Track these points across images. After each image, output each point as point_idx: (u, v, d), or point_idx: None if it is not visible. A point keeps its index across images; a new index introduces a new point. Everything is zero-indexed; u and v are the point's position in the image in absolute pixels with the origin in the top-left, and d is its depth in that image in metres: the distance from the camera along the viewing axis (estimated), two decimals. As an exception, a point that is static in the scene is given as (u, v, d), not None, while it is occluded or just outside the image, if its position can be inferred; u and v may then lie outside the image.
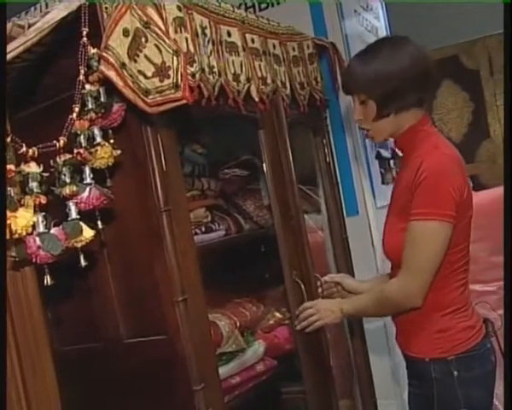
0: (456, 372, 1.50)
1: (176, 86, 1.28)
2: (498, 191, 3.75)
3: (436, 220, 1.42)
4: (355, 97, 1.55)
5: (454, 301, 1.53)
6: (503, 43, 1.40)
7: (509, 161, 1.32)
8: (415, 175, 1.45)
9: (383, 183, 2.83)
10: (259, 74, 1.67)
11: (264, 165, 1.89)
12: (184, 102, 1.29)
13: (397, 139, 1.60)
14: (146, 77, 1.30)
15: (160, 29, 1.30)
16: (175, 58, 1.28)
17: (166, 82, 1.29)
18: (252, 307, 1.76)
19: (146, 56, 1.30)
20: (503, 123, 1.38)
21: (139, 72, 1.30)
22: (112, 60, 1.29)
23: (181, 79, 1.28)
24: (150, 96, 1.30)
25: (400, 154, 1.70)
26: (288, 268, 1.90)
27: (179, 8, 1.42)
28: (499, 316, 3.00)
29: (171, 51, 1.28)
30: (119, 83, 1.30)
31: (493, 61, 4.49)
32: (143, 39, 1.29)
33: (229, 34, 1.60)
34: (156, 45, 1.30)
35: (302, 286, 1.86)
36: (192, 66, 1.40)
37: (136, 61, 1.30)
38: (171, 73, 1.28)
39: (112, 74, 1.30)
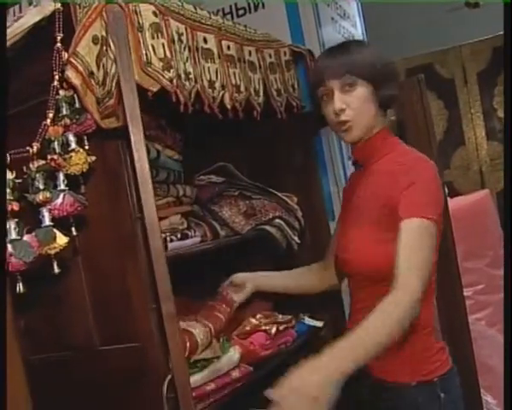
0: (442, 394, 1.42)
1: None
2: (472, 198, 3.83)
3: (431, 220, 1.34)
4: (337, 85, 1.47)
5: (430, 321, 1.46)
6: (503, 42, 1.41)
7: (509, 160, 1.31)
8: (398, 182, 1.40)
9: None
10: (233, 82, 1.67)
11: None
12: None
13: (363, 144, 1.52)
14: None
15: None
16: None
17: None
18: (226, 308, 1.74)
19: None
20: (504, 123, 1.38)
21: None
22: (80, 68, 1.28)
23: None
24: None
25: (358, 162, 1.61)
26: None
27: (155, 14, 1.41)
28: (475, 320, 3.06)
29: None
30: (82, 91, 1.30)
31: (467, 70, 4.57)
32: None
33: (205, 41, 1.60)
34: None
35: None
36: (169, 71, 1.39)
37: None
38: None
39: (77, 82, 1.29)
